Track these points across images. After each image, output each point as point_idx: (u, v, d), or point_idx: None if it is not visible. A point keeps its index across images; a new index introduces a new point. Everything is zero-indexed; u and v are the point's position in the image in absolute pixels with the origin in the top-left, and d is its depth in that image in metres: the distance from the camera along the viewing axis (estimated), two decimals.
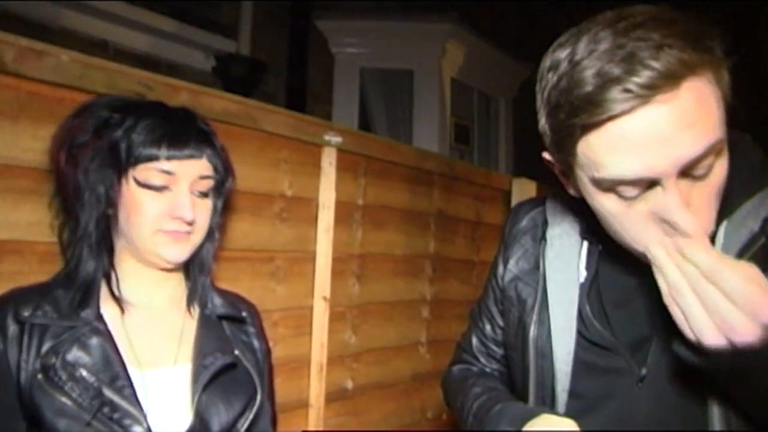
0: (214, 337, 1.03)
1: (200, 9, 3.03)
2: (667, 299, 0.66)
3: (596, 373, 0.84)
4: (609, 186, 0.70)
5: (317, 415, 1.61)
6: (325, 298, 1.63)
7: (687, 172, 0.67)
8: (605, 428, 0.82)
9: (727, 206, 0.76)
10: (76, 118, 0.98)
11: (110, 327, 0.93)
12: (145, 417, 0.88)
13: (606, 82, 0.64)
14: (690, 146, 0.65)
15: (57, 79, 1.08)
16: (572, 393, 0.86)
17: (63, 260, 1.01)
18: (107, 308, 0.95)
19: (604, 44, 0.66)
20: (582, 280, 0.87)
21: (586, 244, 0.89)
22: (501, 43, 4.34)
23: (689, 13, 0.68)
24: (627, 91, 0.63)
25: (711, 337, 0.62)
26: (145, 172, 0.94)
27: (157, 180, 0.95)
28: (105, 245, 0.97)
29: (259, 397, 1.03)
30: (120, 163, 0.94)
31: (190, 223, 0.98)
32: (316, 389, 1.61)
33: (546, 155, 0.80)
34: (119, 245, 1.00)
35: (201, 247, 1.05)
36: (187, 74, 2.90)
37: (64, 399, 0.85)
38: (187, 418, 0.94)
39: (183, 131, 0.98)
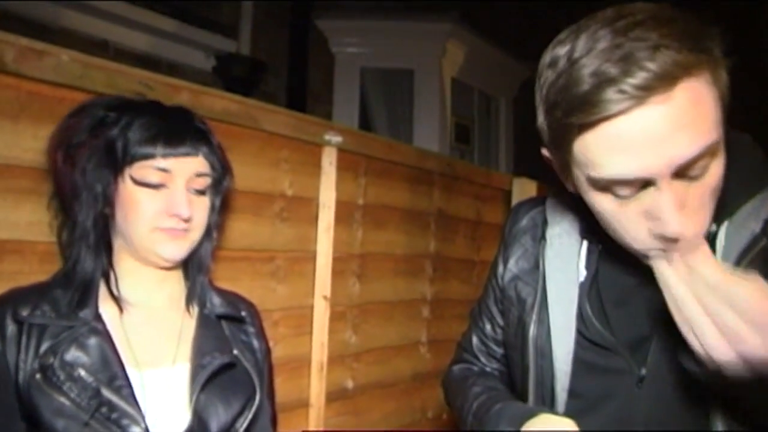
0: (212, 336, 1.03)
1: (200, 9, 3.03)
2: (675, 314, 0.64)
3: (596, 373, 0.84)
4: (604, 185, 0.70)
5: (318, 415, 1.61)
6: (325, 298, 1.63)
7: (682, 172, 0.67)
8: (605, 428, 0.82)
9: (727, 207, 0.76)
10: (73, 117, 0.98)
11: (109, 327, 0.93)
12: (143, 417, 0.88)
13: (602, 82, 0.64)
14: (685, 147, 0.65)
15: (57, 78, 1.08)
16: (572, 392, 0.86)
17: (63, 260, 1.01)
18: (106, 308, 0.95)
19: (603, 43, 0.66)
20: (582, 279, 0.87)
21: (586, 243, 0.89)
22: (501, 42, 4.34)
23: (689, 11, 0.68)
24: (622, 92, 0.63)
25: (721, 351, 0.61)
26: (141, 170, 0.94)
27: (153, 178, 0.95)
28: (103, 245, 0.97)
29: (258, 397, 1.03)
30: (116, 162, 0.94)
31: (187, 221, 0.98)
32: (317, 389, 1.61)
33: (544, 151, 0.80)
34: (117, 244, 1.00)
35: (199, 245, 1.05)
36: (188, 74, 2.90)
37: (62, 399, 0.85)
38: (186, 417, 0.93)
39: (178, 129, 0.98)
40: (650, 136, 0.65)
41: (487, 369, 1.07)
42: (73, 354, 0.88)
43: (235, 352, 1.04)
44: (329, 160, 1.65)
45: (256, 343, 1.11)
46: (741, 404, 0.73)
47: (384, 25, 3.79)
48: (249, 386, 1.03)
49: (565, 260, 0.89)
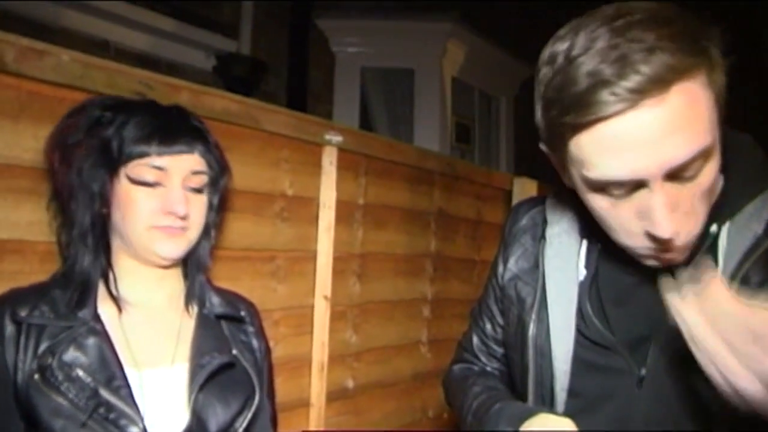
0: (211, 336, 1.03)
1: (201, 8, 3.03)
2: (694, 349, 0.62)
3: (595, 372, 0.84)
4: (598, 185, 0.71)
5: (318, 415, 1.61)
6: (326, 298, 1.63)
7: (675, 174, 0.67)
8: (604, 428, 0.82)
9: (729, 208, 0.76)
10: (70, 118, 0.98)
11: (107, 327, 0.93)
12: (141, 417, 0.88)
13: (597, 82, 0.64)
14: (678, 150, 0.65)
15: (58, 78, 1.08)
16: (571, 392, 0.86)
17: (62, 260, 1.01)
18: (105, 308, 0.95)
19: (600, 42, 0.66)
20: (581, 278, 0.87)
21: (585, 242, 0.89)
22: (502, 42, 4.33)
23: (689, 11, 0.68)
24: (616, 94, 0.63)
25: (745, 381, 0.59)
26: (137, 168, 0.95)
27: (149, 176, 0.95)
28: (102, 245, 0.97)
29: (257, 397, 1.03)
30: (112, 161, 0.94)
31: (184, 218, 0.98)
32: (317, 388, 1.61)
33: (543, 147, 0.81)
34: (116, 244, 0.99)
35: (198, 244, 1.05)
36: (188, 74, 2.90)
37: (60, 399, 0.85)
38: (184, 417, 0.93)
39: (173, 127, 0.98)
40: (643, 139, 0.65)
41: (488, 368, 1.07)
42: (71, 354, 0.88)
43: (234, 351, 1.04)
44: (330, 160, 1.65)
45: (255, 342, 1.11)
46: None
47: (384, 25, 3.79)
48: (248, 386, 1.02)
49: (564, 259, 0.89)
